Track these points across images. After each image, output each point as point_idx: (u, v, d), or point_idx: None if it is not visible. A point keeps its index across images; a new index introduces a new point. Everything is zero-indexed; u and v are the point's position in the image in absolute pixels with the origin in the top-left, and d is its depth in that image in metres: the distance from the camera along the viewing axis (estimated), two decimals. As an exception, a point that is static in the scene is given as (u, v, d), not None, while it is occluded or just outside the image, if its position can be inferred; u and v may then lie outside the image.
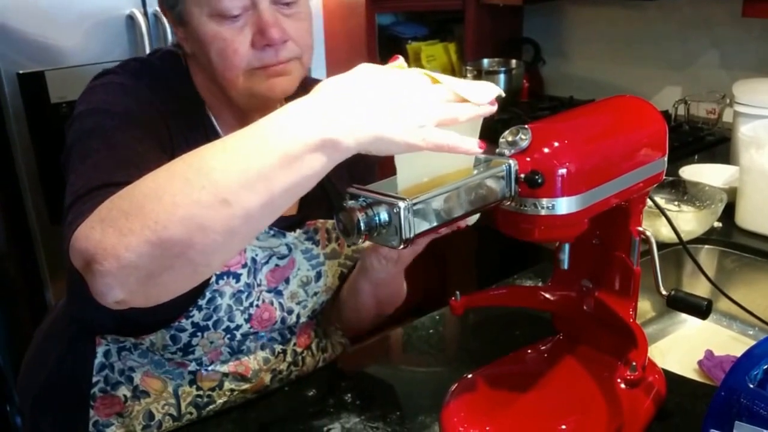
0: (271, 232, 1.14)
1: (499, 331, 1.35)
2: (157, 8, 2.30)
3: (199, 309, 1.09)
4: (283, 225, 1.16)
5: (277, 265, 1.17)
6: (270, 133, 0.74)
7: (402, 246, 0.80)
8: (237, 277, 1.11)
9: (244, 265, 1.12)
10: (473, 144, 0.79)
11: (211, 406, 1.20)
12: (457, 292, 1.13)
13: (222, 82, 1.05)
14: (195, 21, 1.01)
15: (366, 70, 0.78)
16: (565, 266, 1.05)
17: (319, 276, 1.22)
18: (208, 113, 1.13)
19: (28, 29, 2.18)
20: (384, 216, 0.80)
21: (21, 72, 2.18)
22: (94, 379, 1.17)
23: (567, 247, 1.04)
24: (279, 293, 1.18)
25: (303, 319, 1.23)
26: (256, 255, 1.13)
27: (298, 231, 1.18)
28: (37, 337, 1.35)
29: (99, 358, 1.17)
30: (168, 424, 1.19)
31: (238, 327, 1.15)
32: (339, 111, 0.74)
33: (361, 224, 0.80)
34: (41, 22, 2.20)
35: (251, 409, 1.16)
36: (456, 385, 1.10)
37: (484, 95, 0.82)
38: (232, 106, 1.11)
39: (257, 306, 1.16)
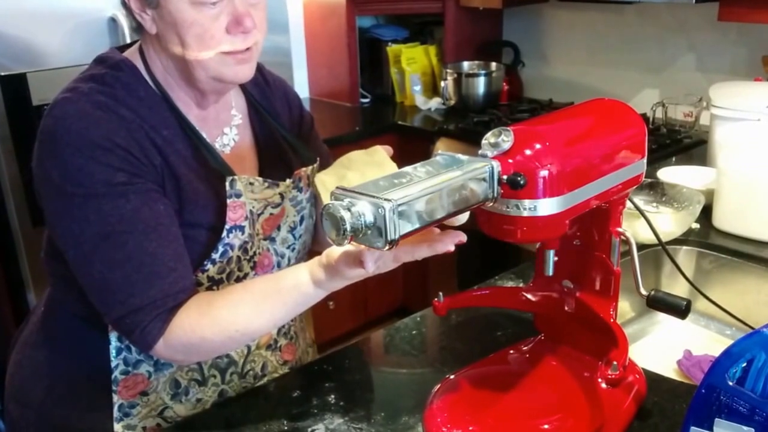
0: (266, 184, 1.23)
1: (481, 332, 1.37)
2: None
3: (213, 263, 1.17)
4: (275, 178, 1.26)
5: (271, 214, 1.25)
6: (304, 300, 1.06)
7: (387, 247, 0.81)
8: (242, 229, 1.19)
9: (246, 218, 1.19)
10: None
11: (232, 367, 1.26)
12: (440, 293, 1.14)
13: (193, 62, 1.13)
14: (173, 6, 1.10)
15: None
16: (550, 272, 1.07)
17: (302, 219, 1.31)
18: (171, 100, 1.19)
19: (9, 31, 2.17)
20: (369, 217, 0.80)
21: (3, 74, 2.17)
22: (113, 363, 1.20)
23: (551, 253, 1.05)
24: (272, 240, 1.27)
25: (293, 261, 1.31)
26: (253, 207, 1.21)
27: (288, 180, 1.27)
28: (25, 345, 1.33)
29: (114, 342, 1.20)
30: (195, 389, 1.24)
31: (246, 275, 1.23)
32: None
33: (347, 225, 0.80)
34: (23, 24, 2.19)
35: (235, 409, 1.17)
36: (439, 385, 1.11)
37: None
38: (192, 88, 1.20)
39: (259, 253, 1.24)
